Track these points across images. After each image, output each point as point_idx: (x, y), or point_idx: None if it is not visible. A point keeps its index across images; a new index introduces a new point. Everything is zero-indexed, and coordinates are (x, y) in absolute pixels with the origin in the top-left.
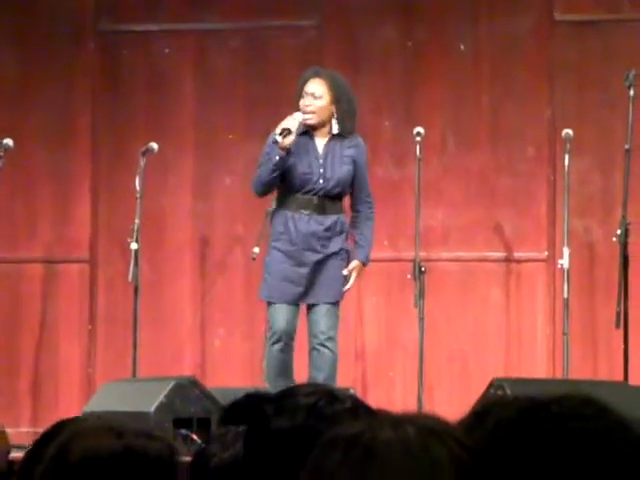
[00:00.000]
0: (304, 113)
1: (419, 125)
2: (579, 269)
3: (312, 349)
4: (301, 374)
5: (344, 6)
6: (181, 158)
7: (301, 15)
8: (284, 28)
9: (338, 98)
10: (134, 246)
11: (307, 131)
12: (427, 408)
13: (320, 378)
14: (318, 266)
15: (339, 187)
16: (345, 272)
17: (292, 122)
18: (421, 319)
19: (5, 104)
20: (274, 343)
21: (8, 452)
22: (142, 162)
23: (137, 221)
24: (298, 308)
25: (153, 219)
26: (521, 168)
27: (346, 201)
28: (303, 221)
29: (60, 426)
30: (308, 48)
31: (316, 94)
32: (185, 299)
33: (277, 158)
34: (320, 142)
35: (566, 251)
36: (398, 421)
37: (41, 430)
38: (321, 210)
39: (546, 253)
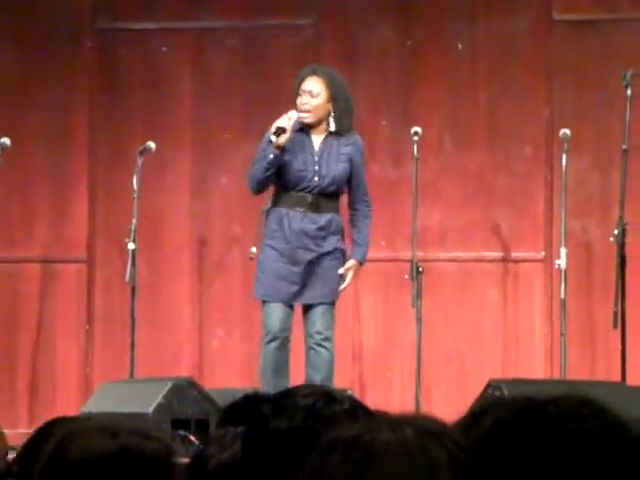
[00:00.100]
0: (300, 111)
1: (416, 124)
2: (576, 269)
3: (309, 349)
4: (298, 374)
5: (341, 5)
6: (178, 157)
7: (298, 14)
8: (281, 27)
9: (335, 96)
10: (131, 246)
11: (304, 128)
12: (425, 409)
13: (317, 378)
14: (312, 265)
15: (334, 185)
16: (341, 271)
17: (287, 121)
18: (418, 319)
19: (3, 103)
20: (269, 342)
21: (6, 453)
22: (139, 161)
23: (134, 221)
24: (293, 308)
25: (150, 219)
26: (518, 168)
27: (344, 199)
28: (297, 219)
29: (51, 426)
30: (305, 47)
31: (313, 92)
32: (183, 299)
33: (271, 156)
34: (317, 139)
35: (563, 251)
36: (396, 423)
37: None
38: (315, 208)
39: (543, 253)
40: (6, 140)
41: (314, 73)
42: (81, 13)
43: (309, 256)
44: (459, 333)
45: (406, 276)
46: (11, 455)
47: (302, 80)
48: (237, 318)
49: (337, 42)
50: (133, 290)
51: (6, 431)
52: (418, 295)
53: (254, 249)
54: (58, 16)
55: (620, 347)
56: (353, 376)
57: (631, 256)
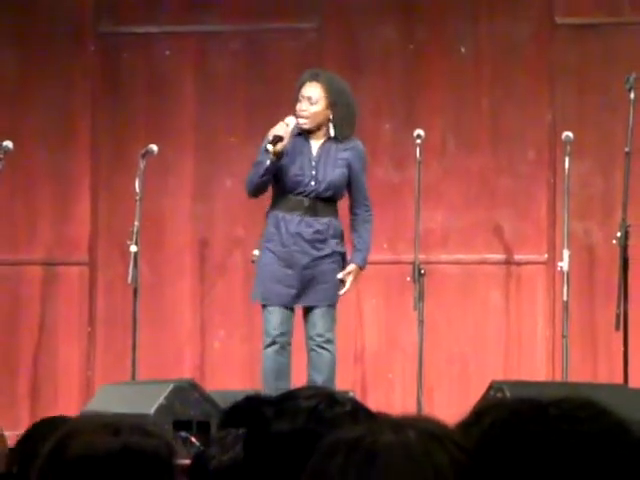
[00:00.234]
0: (299, 117)
1: (419, 127)
2: (579, 271)
3: (310, 351)
4: (300, 376)
5: (344, 8)
6: (181, 160)
7: (301, 17)
8: (284, 30)
9: (335, 103)
10: (134, 248)
11: (303, 132)
12: (426, 411)
13: (319, 380)
14: (310, 269)
15: (331, 190)
16: (340, 276)
17: (284, 127)
18: (421, 322)
19: (5, 105)
20: (269, 346)
21: (7, 455)
22: (142, 164)
23: (137, 223)
24: (293, 311)
25: (153, 221)
26: (521, 171)
27: (345, 203)
28: (294, 222)
29: (42, 425)
30: (308, 50)
31: (312, 99)
32: (185, 301)
33: (268, 163)
34: (315, 144)
35: (566, 253)
36: (398, 425)
37: None
38: (313, 212)
39: (546, 255)
40: (8, 143)
41: (314, 79)
42: (84, 16)
43: (305, 260)
44: (461, 335)
45: (408, 278)
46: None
47: (302, 85)
48: (239, 320)
49: (340, 45)
50: (135, 292)
51: (7, 433)
52: (420, 297)
53: (257, 252)
54: (60, 19)
55: (622, 349)
56: (355, 378)
57: (634, 258)
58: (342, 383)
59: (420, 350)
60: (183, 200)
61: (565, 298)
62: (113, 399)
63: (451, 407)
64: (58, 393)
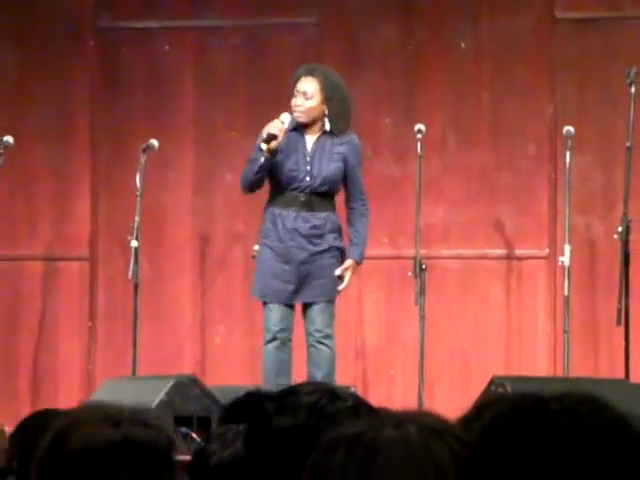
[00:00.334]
0: (294, 112)
1: (420, 122)
2: (580, 266)
3: (309, 347)
4: (300, 373)
5: (344, 3)
6: (181, 155)
7: (301, 12)
8: (284, 26)
9: (330, 97)
10: (134, 244)
11: (298, 127)
12: (427, 406)
13: (319, 376)
14: (308, 264)
15: (326, 185)
16: (338, 272)
17: (279, 125)
18: (422, 317)
19: (4, 102)
20: (269, 342)
21: (7, 450)
22: (142, 159)
23: (137, 218)
24: (293, 307)
25: (153, 216)
26: (522, 165)
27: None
28: (290, 218)
29: (34, 418)
30: (308, 45)
31: (307, 94)
32: (185, 296)
33: (262, 160)
34: (310, 139)
35: (567, 248)
36: (400, 420)
37: None
38: (309, 207)
39: (547, 250)
40: (9, 138)
41: (309, 73)
42: (83, 12)
43: (303, 255)
44: (462, 330)
45: (409, 273)
46: None
47: (297, 80)
48: (239, 315)
49: (340, 41)
50: (136, 288)
51: (8, 429)
52: (421, 292)
53: (257, 247)
54: (59, 15)
55: (624, 344)
56: (356, 373)
57: (635, 253)
58: (343, 378)
59: (421, 345)
60: (183, 195)
61: (566, 293)
62: (114, 394)
63: (452, 402)
64: (59, 388)
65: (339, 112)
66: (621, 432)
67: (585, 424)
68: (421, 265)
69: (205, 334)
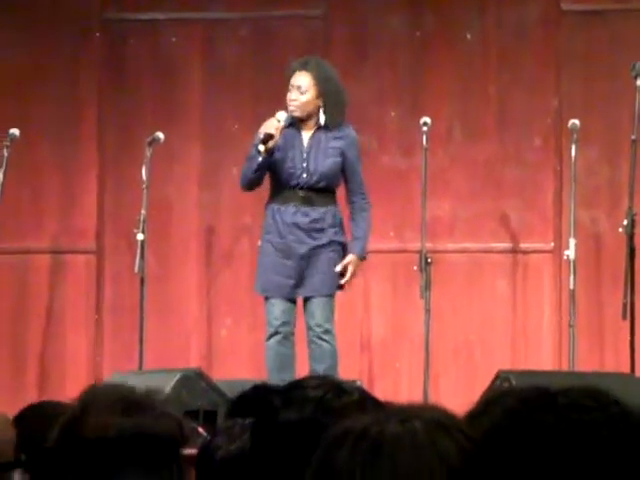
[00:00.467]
0: (290, 107)
1: (426, 115)
2: (585, 260)
3: (310, 342)
4: (302, 367)
5: None
6: (188, 148)
7: (307, 5)
8: (291, 17)
9: (325, 91)
10: (140, 237)
11: (294, 123)
12: (433, 400)
13: (321, 370)
14: (308, 258)
15: (324, 181)
16: (339, 268)
17: (275, 124)
18: (427, 310)
19: (11, 94)
20: (271, 336)
21: (15, 443)
22: (148, 152)
23: (143, 211)
24: (294, 302)
25: (159, 209)
26: (528, 158)
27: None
28: (289, 213)
29: (30, 411)
30: (314, 38)
31: (302, 88)
32: (191, 290)
33: (260, 159)
34: (306, 135)
35: (572, 242)
36: (406, 414)
37: None
38: (308, 203)
39: (552, 244)
40: (15, 131)
41: (303, 67)
42: (89, 3)
43: (303, 249)
44: (468, 324)
45: (415, 267)
46: None
47: (292, 74)
48: (245, 308)
49: (346, 33)
50: (142, 281)
51: None
52: (427, 286)
53: (260, 243)
54: (66, 6)
55: (629, 338)
56: (362, 367)
57: None
58: (349, 372)
59: (427, 339)
60: (190, 188)
61: (572, 287)
62: None
63: (457, 396)
64: (66, 381)
65: (334, 105)
66: (628, 426)
67: (593, 418)
68: (426, 259)
69: (211, 327)
